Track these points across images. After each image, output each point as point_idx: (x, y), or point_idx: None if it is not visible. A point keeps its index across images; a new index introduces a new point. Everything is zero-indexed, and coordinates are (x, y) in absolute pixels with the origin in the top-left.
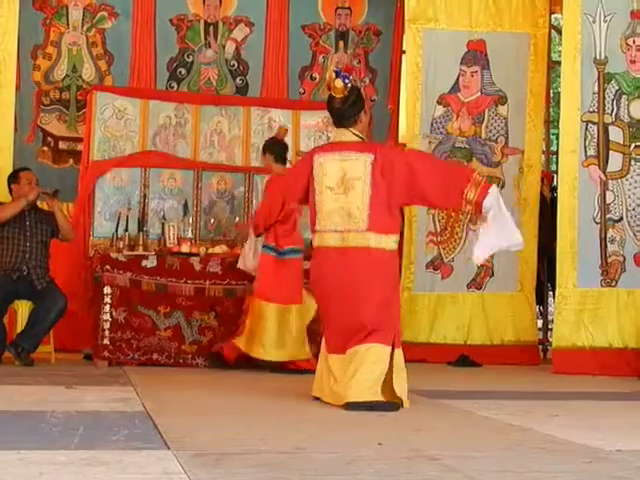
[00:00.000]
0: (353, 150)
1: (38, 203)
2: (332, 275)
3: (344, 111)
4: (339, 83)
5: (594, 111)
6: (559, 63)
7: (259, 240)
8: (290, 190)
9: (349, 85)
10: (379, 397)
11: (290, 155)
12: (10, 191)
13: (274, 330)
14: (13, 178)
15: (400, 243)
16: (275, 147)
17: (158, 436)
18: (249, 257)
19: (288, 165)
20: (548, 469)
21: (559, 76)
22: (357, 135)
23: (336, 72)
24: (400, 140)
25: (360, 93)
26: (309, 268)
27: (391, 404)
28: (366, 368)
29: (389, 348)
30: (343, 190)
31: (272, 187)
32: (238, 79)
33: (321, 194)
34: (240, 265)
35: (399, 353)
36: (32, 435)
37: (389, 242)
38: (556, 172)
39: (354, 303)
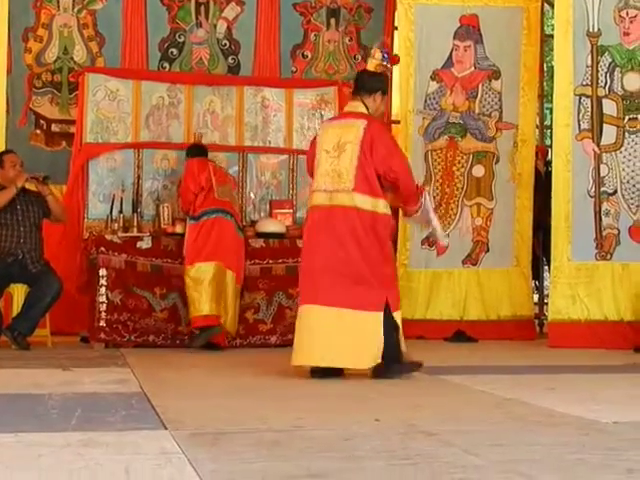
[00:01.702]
0: (352, 117)
1: (26, 185)
2: (319, 230)
3: (367, 79)
4: (378, 54)
5: (587, 84)
6: (552, 36)
7: None
8: (308, 164)
9: (384, 62)
10: (377, 361)
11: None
12: None
13: (192, 288)
14: None
15: (396, 220)
16: (192, 150)
17: (155, 416)
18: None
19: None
20: (545, 442)
21: (552, 50)
22: (366, 107)
23: (379, 48)
24: (394, 117)
25: (387, 81)
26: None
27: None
28: (360, 339)
29: (380, 314)
30: (338, 154)
31: (187, 166)
32: (230, 58)
33: (319, 156)
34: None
35: (398, 315)
36: (30, 418)
37: (376, 204)
38: (550, 146)
39: (339, 258)
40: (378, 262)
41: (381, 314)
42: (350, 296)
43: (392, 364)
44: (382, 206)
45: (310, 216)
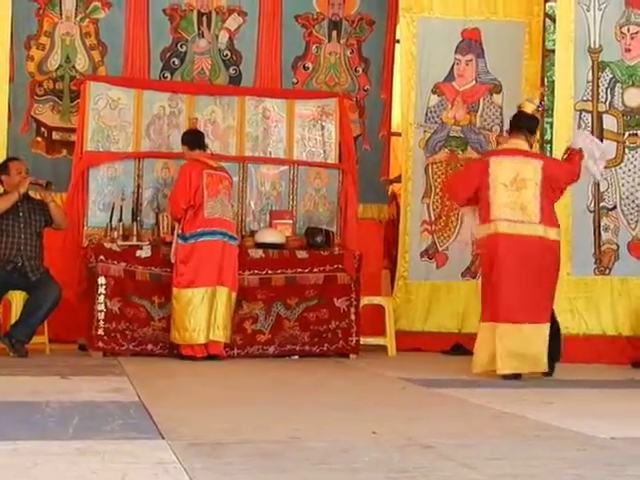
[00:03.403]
0: (525, 156)
1: (30, 192)
2: (507, 257)
3: (528, 120)
4: (536, 101)
5: (588, 100)
6: (554, 51)
7: None
8: (461, 188)
9: (539, 108)
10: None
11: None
12: (0, 182)
13: (178, 312)
14: (3, 169)
15: (395, 232)
16: (186, 137)
17: (153, 426)
18: (172, 251)
19: (207, 151)
20: (542, 456)
21: (554, 64)
22: (529, 145)
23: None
24: (394, 130)
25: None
26: (482, 250)
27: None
28: (536, 346)
29: (548, 325)
30: (516, 188)
31: (181, 174)
32: (231, 69)
33: (495, 189)
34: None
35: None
36: (27, 425)
37: (556, 234)
38: None
39: (525, 281)
40: (551, 280)
41: (548, 325)
42: (530, 311)
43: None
44: (556, 233)
45: (494, 242)
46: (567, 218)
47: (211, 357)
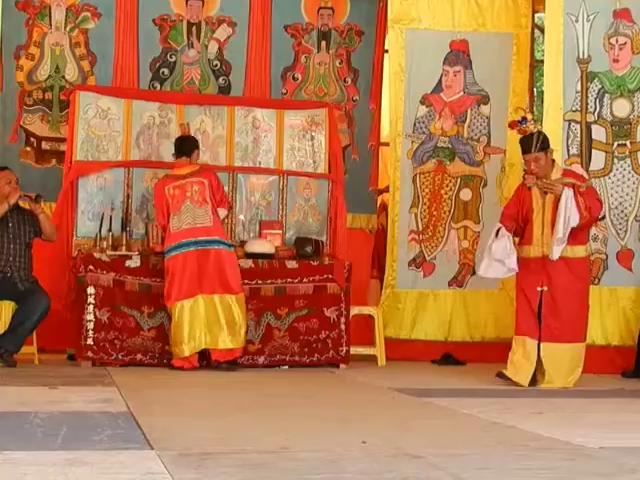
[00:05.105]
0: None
1: (20, 203)
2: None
3: None
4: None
5: (577, 110)
6: (543, 62)
7: None
8: None
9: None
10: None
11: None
12: None
13: (180, 325)
14: None
15: (383, 241)
16: (174, 145)
17: (142, 436)
18: None
19: (194, 155)
20: (531, 466)
21: (543, 75)
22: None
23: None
24: (383, 140)
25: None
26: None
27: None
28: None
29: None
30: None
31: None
32: (221, 79)
33: None
34: None
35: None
36: (15, 436)
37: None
38: None
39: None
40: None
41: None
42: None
43: None
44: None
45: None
46: None
47: (209, 366)
